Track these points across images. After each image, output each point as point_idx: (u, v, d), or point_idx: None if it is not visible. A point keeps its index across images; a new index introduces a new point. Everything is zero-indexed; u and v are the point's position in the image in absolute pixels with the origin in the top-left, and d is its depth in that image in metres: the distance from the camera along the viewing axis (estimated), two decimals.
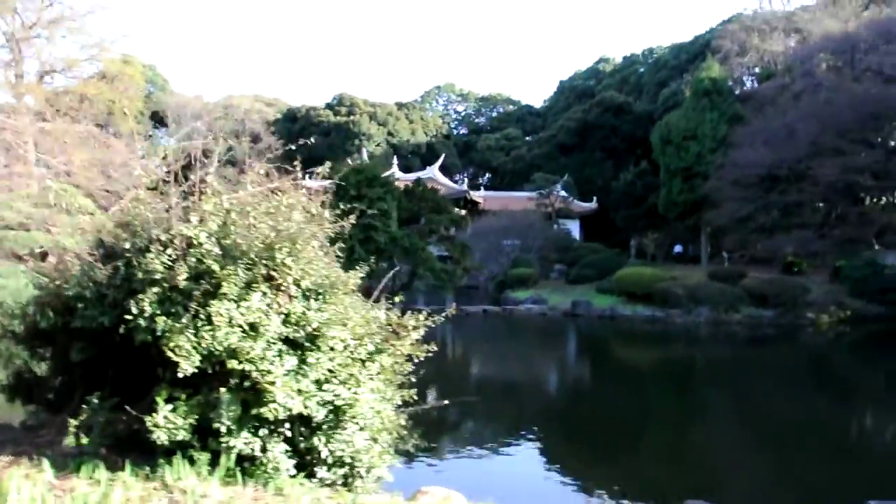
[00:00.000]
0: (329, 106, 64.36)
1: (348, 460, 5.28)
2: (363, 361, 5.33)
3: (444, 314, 6.10)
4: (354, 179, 20.07)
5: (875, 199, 28.15)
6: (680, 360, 19.92)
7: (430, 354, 5.81)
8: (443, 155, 55.94)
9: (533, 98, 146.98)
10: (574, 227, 52.75)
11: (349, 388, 5.14)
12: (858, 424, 12.78)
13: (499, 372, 17.92)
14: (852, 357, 22.25)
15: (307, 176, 6.86)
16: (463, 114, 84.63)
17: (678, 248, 43.51)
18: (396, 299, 5.97)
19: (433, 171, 52.61)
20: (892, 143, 28.24)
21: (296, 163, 6.34)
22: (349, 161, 53.71)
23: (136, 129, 52.70)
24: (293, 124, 62.44)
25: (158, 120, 57.50)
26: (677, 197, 40.39)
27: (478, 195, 54.87)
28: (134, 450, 5.11)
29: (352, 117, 60.68)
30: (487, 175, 77.48)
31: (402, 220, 21.51)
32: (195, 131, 58.98)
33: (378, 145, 59.95)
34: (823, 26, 37.27)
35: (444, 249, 22.64)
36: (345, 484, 5.52)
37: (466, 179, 79.56)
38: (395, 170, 52.78)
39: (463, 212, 52.09)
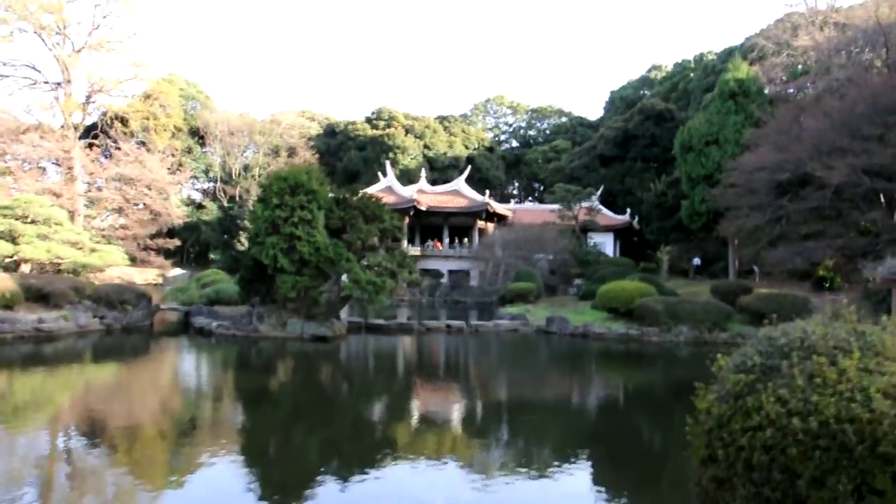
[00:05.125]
0: (368, 120, 64.48)
1: None
2: None
3: None
4: (277, 187, 19.35)
5: (889, 205, 24.92)
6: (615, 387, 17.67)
7: None
8: (468, 168, 54.84)
9: (588, 109, 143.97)
10: (608, 241, 50.31)
11: None
12: None
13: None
14: None
15: None
16: (513, 126, 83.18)
17: (696, 261, 40.60)
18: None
19: (459, 184, 51.60)
20: None
21: None
22: (379, 175, 53.59)
23: (173, 145, 54.36)
24: (332, 139, 62.89)
25: (201, 137, 59.13)
26: (699, 207, 37.59)
27: (507, 208, 53.35)
28: None
29: (388, 130, 60.47)
30: (541, 187, 75.77)
31: (334, 230, 20.57)
32: (235, 147, 60.41)
33: (413, 158, 59.39)
34: (860, 19, 34.13)
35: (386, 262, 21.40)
36: None
37: (515, 192, 78.11)
38: (422, 183, 52.13)
39: (489, 224, 50.77)
